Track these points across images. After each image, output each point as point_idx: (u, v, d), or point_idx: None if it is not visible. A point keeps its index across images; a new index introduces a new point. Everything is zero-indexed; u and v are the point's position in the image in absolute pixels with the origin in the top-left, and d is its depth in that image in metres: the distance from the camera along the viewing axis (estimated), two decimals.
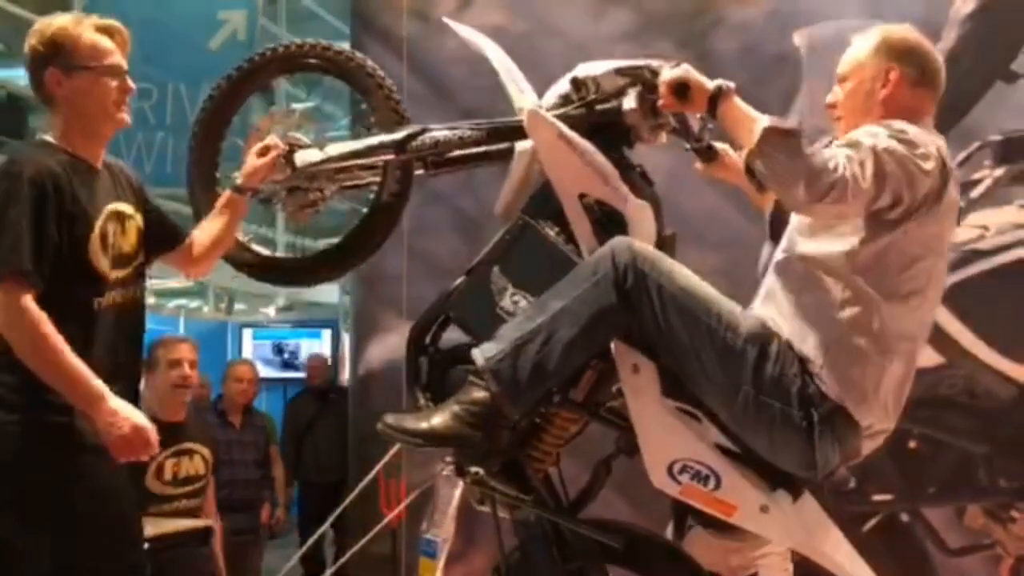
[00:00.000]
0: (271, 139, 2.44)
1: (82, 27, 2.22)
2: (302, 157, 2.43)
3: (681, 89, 1.99)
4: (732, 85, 1.96)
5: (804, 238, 1.97)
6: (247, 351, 9.76)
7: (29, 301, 2.05)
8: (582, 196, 2.06)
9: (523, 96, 2.19)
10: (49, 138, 2.22)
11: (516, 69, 2.27)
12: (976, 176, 4.07)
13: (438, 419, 1.95)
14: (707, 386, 1.93)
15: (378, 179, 2.38)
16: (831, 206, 1.83)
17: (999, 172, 4.05)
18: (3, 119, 7.34)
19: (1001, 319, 3.99)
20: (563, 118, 2.12)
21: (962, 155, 4.07)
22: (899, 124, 1.93)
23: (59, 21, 2.23)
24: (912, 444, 4.12)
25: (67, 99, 2.21)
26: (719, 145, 2.28)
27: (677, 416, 1.95)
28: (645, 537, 2.21)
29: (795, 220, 2.04)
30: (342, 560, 4.52)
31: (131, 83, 2.25)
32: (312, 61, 2.54)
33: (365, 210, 2.43)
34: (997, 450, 4.03)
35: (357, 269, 4.96)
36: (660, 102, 2.04)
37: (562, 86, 2.19)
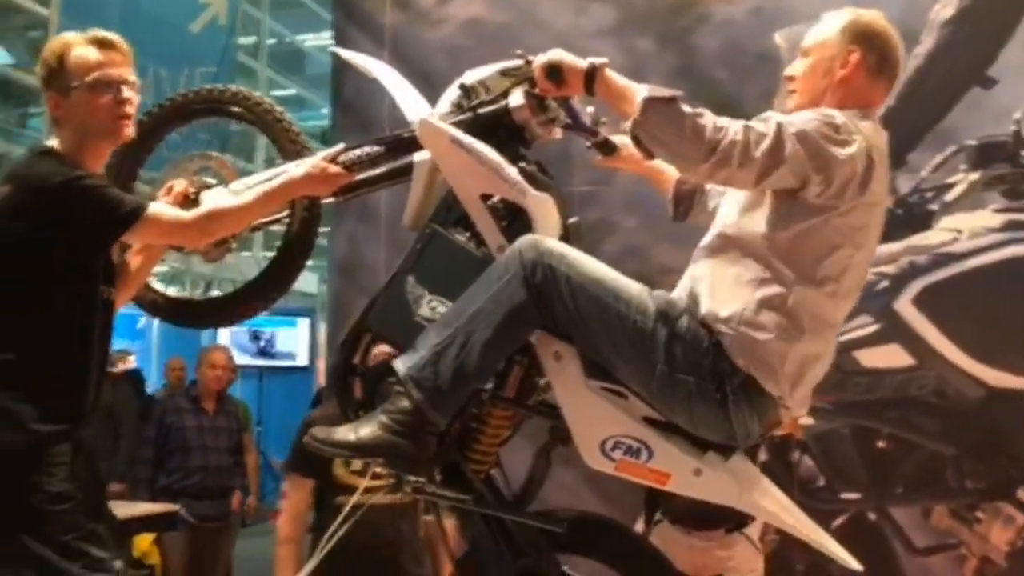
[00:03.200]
0: (179, 182, 2.45)
1: (73, 45, 2.23)
2: (207, 197, 2.43)
3: (554, 72, 2.01)
4: (605, 61, 1.98)
5: (731, 219, 2.01)
6: (223, 337, 9.71)
7: (168, 211, 2.24)
8: (484, 197, 2.09)
9: (414, 108, 2.22)
10: (56, 146, 2.24)
11: (408, 85, 2.30)
12: (951, 180, 4.12)
13: (366, 430, 1.96)
14: (624, 368, 1.96)
15: (287, 213, 2.39)
16: (718, 169, 1.86)
17: (974, 176, 4.09)
18: None
19: (972, 322, 4.03)
20: (455, 124, 2.15)
21: (938, 159, 4.11)
22: (832, 111, 1.96)
23: (53, 43, 2.26)
24: (881, 444, 4.16)
25: (67, 119, 2.24)
26: (617, 138, 2.31)
27: (603, 395, 1.98)
28: (592, 521, 2.25)
29: (724, 201, 2.08)
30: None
31: (128, 93, 2.24)
32: (197, 107, 2.54)
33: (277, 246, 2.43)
34: (965, 452, 4.08)
35: (335, 257, 4.98)
36: (538, 89, 2.07)
37: (452, 93, 2.23)
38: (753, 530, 3.25)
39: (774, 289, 1.92)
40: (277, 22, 13.45)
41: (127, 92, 2.24)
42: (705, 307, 1.95)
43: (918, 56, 4.10)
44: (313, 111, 14.04)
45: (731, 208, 2.03)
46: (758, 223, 1.95)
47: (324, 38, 12.86)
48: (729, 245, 1.98)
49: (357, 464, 3.05)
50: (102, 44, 2.24)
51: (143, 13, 7.78)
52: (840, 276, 1.96)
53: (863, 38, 2.03)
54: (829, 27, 2.07)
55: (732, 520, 3.15)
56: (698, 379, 1.90)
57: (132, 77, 2.27)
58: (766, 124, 1.88)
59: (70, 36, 2.26)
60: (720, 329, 1.92)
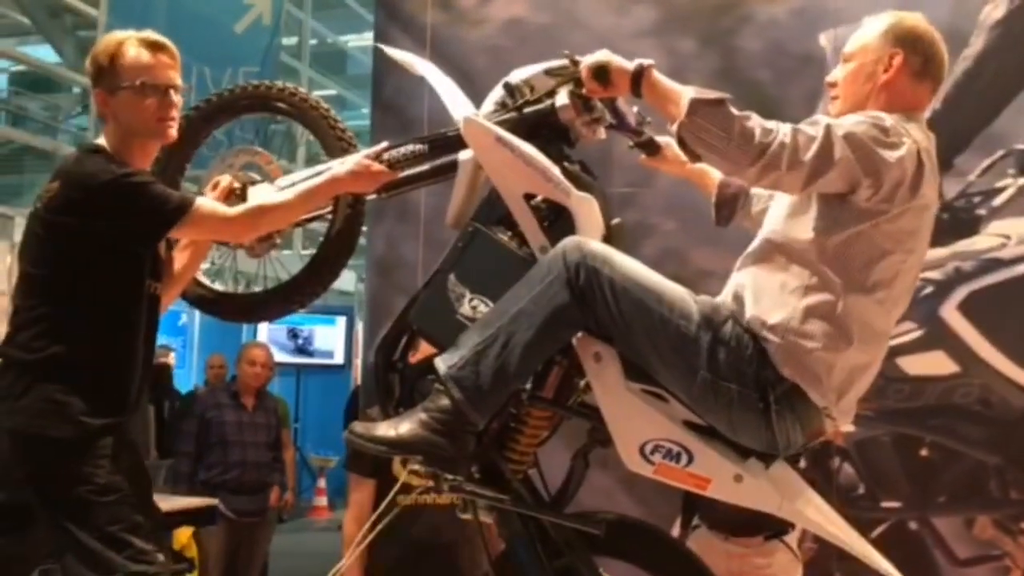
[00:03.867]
0: (224, 178, 2.48)
1: (125, 45, 2.27)
2: (253, 192, 2.47)
3: (601, 73, 2.01)
4: (652, 62, 1.97)
5: (778, 224, 1.99)
6: (262, 335, 9.81)
7: (214, 207, 2.27)
8: (528, 197, 2.09)
9: (460, 107, 2.22)
10: (105, 144, 2.29)
11: (453, 85, 2.31)
12: (999, 184, 4.04)
13: (405, 427, 1.97)
14: (666, 373, 1.95)
15: (330, 209, 2.41)
16: (766, 173, 1.84)
17: (1022, 181, 4.01)
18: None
19: (1019, 330, 3.95)
20: (500, 123, 2.15)
21: (986, 163, 4.03)
22: (880, 114, 1.93)
23: (105, 41, 2.30)
24: (924, 452, 4.09)
25: (114, 117, 2.29)
26: (661, 139, 2.28)
27: (643, 398, 1.97)
28: (630, 524, 2.23)
29: (772, 207, 2.06)
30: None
31: (176, 98, 2.28)
32: (244, 103, 2.57)
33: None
34: (1009, 461, 3.99)
35: (373, 256, 5.00)
36: (584, 89, 2.06)
37: (497, 93, 2.23)
38: (792, 538, 3.21)
39: (822, 296, 1.89)
40: (320, 23, 13.56)
41: (173, 96, 2.27)
42: (751, 313, 1.92)
43: (967, 58, 4.02)
44: (354, 111, 14.14)
45: (778, 214, 2.01)
46: (805, 229, 1.92)
47: (366, 39, 12.94)
48: (776, 251, 1.96)
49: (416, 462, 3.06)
50: (153, 46, 2.28)
51: (188, 13, 7.89)
52: (891, 282, 1.93)
53: (906, 40, 2.01)
54: (871, 31, 2.04)
55: (771, 527, 3.12)
56: (741, 386, 1.88)
57: (179, 81, 2.31)
58: (815, 127, 1.85)
59: (122, 35, 2.31)
60: (766, 336, 1.90)
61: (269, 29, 8.36)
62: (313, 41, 13.57)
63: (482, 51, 4.58)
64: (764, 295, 1.93)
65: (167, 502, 3.14)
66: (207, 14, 8.08)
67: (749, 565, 3.21)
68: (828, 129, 1.85)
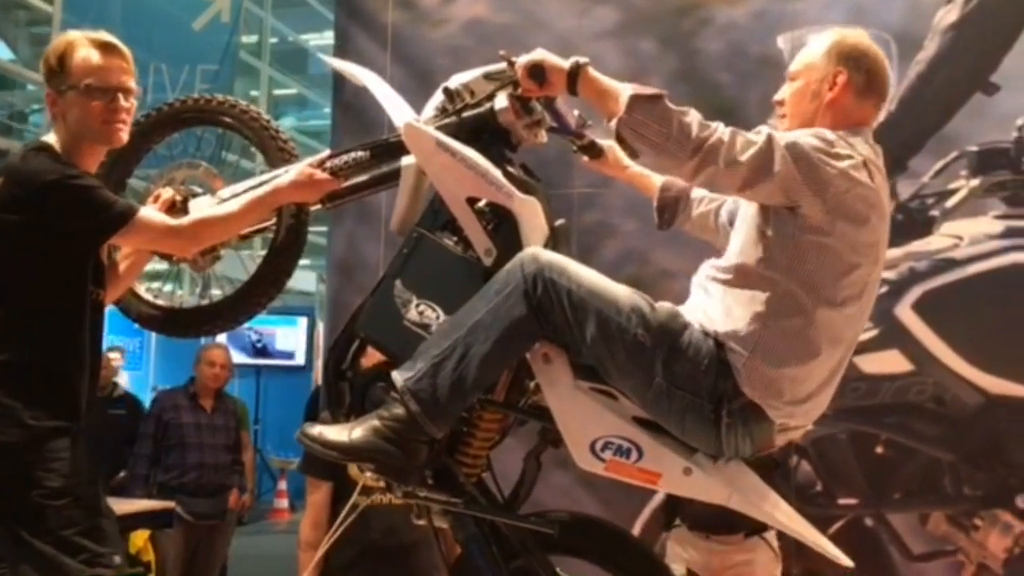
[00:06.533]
0: (165, 191, 2.46)
1: (75, 45, 2.23)
2: (195, 205, 2.45)
3: (537, 72, 2.00)
4: (588, 60, 1.97)
5: (743, 247, 1.97)
6: (221, 335, 9.70)
7: (158, 217, 2.26)
8: (471, 200, 2.08)
9: (400, 114, 2.22)
10: (53, 144, 2.25)
11: (394, 92, 2.31)
12: (952, 186, 4.11)
13: (359, 433, 1.96)
14: (622, 380, 1.95)
15: (272, 221, 2.39)
16: (703, 167, 1.84)
17: (975, 182, 4.08)
18: None
19: (972, 329, 4.03)
20: (440, 128, 2.15)
21: (939, 164, 4.11)
22: (822, 130, 1.95)
23: (57, 42, 2.26)
24: (879, 450, 4.16)
25: (62, 117, 2.25)
26: (604, 142, 2.30)
27: (593, 396, 1.98)
28: (584, 522, 2.24)
29: (734, 233, 2.04)
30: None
31: (124, 102, 2.24)
32: (187, 116, 2.55)
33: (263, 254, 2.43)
34: (963, 458, 4.07)
35: (334, 257, 4.97)
36: (520, 89, 2.06)
37: (437, 98, 2.23)
38: (772, 535, 3.25)
39: (792, 318, 1.89)
40: (280, 21, 13.46)
41: (123, 100, 2.24)
42: (721, 328, 1.92)
43: (921, 62, 4.10)
44: (315, 111, 14.05)
45: (741, 238, 1.99)
46: (769, 249, 1.92)
47: (327, 37, 12.87)
48: (744, 274, 1.94)
49: None
50: (104, 48, 2.24)
51: (146, 10, 7.77)
52: (860, 295, 1.95)
53: (849, 59, 2.02)
54: (814, 50, 2.06)
55: (751, 525, 3.15)
56: (695, 396, 1.89)
57: (131, 84, 2.27)
58: (758, 135, 1.86)
59: (75, 35, 2.27)
60: (734, 348, 1.89)
61: (228, 27, 8.27)
62: (274, 39, 13.47)
63: (443, 51, 4.58)
64: (734, 312, 1.92)
65: (122, 505, 3.09)
66: (165, 11, 7.97)
67: (730, 562, 3.25)
68: (769, 137, 1.85)
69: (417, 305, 2.09)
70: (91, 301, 2.23)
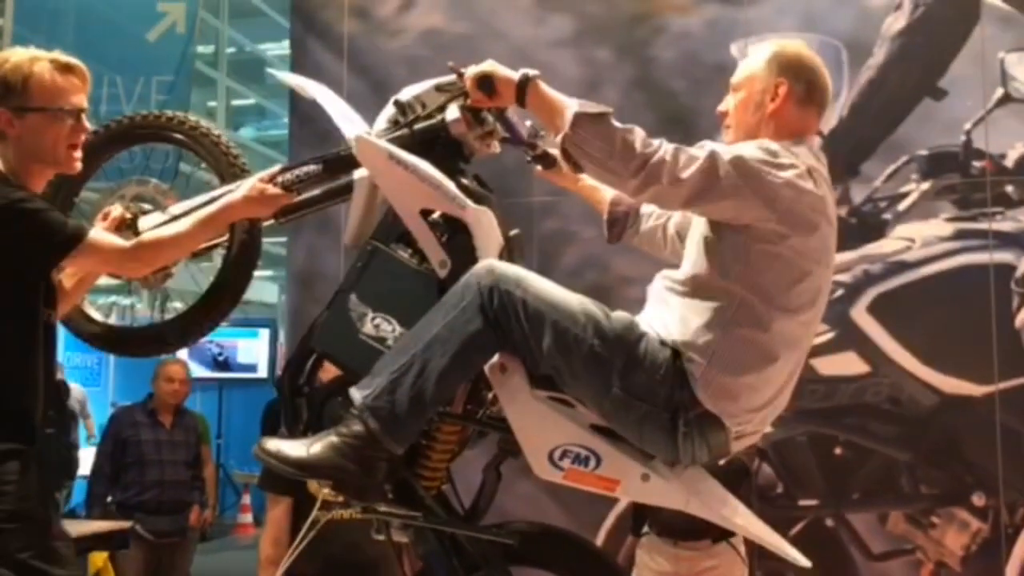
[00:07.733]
0: (115, 208, 2.43)
1: (37, 66, 2.18)
2: (145, 222, 2.42)
3: (485, 83, 2.01)
4: (537, 73, 1.98)
5: (696, 258, 1.99)
6: (181, 350, 9.57)
7: (108, 239, 2.21)
8: (424, 213, 2.08)
9: (351, 126, 2.21)
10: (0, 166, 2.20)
11: (345, 105, 2.30)
12: (904, 190, 4.19)
13: (317, 448, 1.94)
14: (580, 390, 1.96)
15: (225, 237, 2.37)
16: (646, 185, 1.85)
17: (925, 186, 4.16)
18: None
19: (925, 330, 4.10)
20: (392, 141, 2.15)
21: (890, 169, 4.18)
22: (765, 140, 1.97)
23: (14, 58, 2.19)
24: (838, 451, 4.21)
25: (19, 139, 2.19)
26: (556, 152, 2.32)
27: (550, 405, 1.99)
28: (544, 532, 2.24)
29: (688, 246, 2.06)
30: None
31: (87, 124, 2.22)
32: (138, 132, 2.53)
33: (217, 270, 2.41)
34: (919, 458, 4.14)
35: (293, 268, 4.94)
36: (469, 100, 2.07)
37: (388, 111, 2.23)
38: (738, 540, 3.27)
39: (748, 327, 1.91)
40: (237, 31, 13.35)
41: (84, 121, 2.21)
42: (676, 336, 1.92)
43: (870, 68, 4.17)
44: (275, 120, 13.94)
45: (694, 250, 2.00)
46: (722, 260, 1.93)
47: (284, 47, 12.80)
48: (698, 286, 1.95)
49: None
50: (65, 69, 2.20)
51: (98, 20, 7.66)
52: (814, 301, 1.97)
53: (789, 69, 2.05)
54: (755, 61, 2.09)
55: (717, 531, 3.17)
56: (652, 406, 1.90)
57: (86, 104, 2.24)
58: (700, 150, 1.88)
59: (33, 54, 2.21)
60: (692, 357, 1.90)
61: (183, 37, 8.18)
62: (231, 49, 13.35)
63: (400, 61, 4.57)
64: (691, 322, 1.93)
65: (77, 526, 3.04)
66: (118, 22, 7.87)
67: (698, 567, 3.27)
68: (712, 153, 1.87)
69: (373, 319, 2.08)
70: (43, 323, 2.20)
